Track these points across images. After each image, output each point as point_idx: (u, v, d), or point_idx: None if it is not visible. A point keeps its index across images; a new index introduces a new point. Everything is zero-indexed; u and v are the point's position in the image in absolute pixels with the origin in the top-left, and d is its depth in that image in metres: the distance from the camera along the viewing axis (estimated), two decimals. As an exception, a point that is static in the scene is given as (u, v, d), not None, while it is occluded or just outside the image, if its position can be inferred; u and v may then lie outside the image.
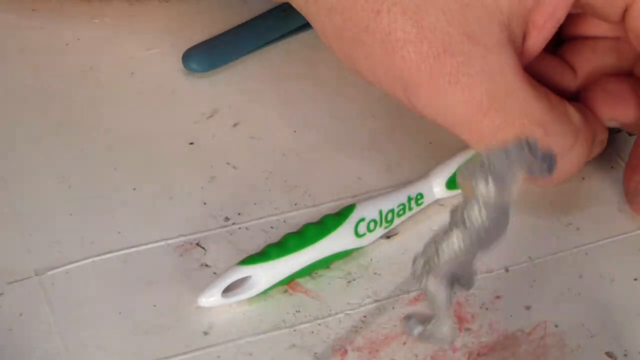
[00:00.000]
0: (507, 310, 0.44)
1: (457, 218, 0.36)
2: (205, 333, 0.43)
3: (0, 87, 0.53)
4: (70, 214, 0.47)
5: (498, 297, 0.45)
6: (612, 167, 0.51)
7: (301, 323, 0.44)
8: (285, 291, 0.45)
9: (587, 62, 0.47)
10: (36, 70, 0.54)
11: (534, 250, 0.47)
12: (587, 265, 0.46)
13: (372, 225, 0.46)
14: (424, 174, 0.48)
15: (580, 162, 0.45)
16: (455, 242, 0.36)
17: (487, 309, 0.44)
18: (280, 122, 0.52)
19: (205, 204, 0.48)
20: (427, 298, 0.37)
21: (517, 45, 0.43)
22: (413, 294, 0.45)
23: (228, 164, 0.50)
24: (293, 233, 0.45)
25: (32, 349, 0.42)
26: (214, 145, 0.51)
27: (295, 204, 0.48)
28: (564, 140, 0.44)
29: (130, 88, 0.54)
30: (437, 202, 0.48)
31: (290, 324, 0.43)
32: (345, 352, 0.43)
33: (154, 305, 0.44)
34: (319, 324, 0.44)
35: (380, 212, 0.46)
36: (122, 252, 0.46)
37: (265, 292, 0.44)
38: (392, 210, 0.46)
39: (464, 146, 0.48)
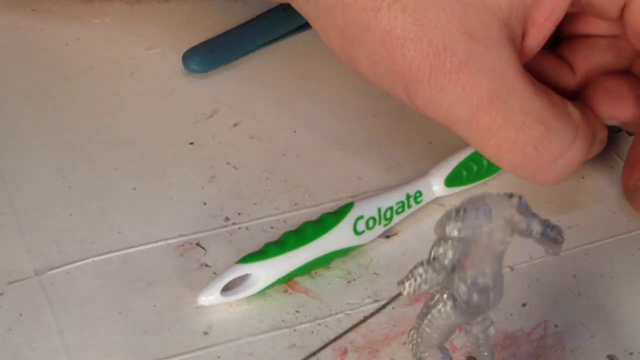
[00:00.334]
0: (506, 310, 0.44)
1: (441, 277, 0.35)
2: (205, 333, 0.43)
3: (0, 87, 0.53)
4: (70, 214, 0.47)
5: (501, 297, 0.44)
6: (611, 167, 0.51)
7: (301, 323, 0.44)
8: (285, 291, 0.45)
9: (586, 61, 0.47)
10: (36, 70, 0.54)
11: (534, 250, 0.47)
12: (586, 265, 0.46)
13: (371, 223, 0.46)
14: (423, 173, 0.48)
15: (579, 160, 0.45)
16: (441, 305, 0.35)
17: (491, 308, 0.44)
18: (280, 122, 0.52)
19: (205, 204, 0.48)
20: None
21: (517, 44, 0.43)
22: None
23: (228, 164, 0.50)
24: (292, 231, 0.45)
25: (32, 349, 0.42)
26: (214, 145, 0.51)
27: (295, 204, 0.48)
28: (564, 138, 0.44)
29: (130, 88, 0.54)
30: (437, 202, 0.48)
31: (290, 324, 0.43)
32: (345, 352, 0.43)
33: (154, 305, 0.44)
34: (319, 324, 0.44)
35: (379, 210, 0.46)
36: (122, 252, 0.46)
37: (264, 291, 0.44)
38: (390, 208, 0.46)
39: (463, 145, 0.48)
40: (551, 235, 0.36)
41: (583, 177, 0.50)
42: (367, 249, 0.46)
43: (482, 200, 0.34)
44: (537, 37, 0.43)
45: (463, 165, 0.48)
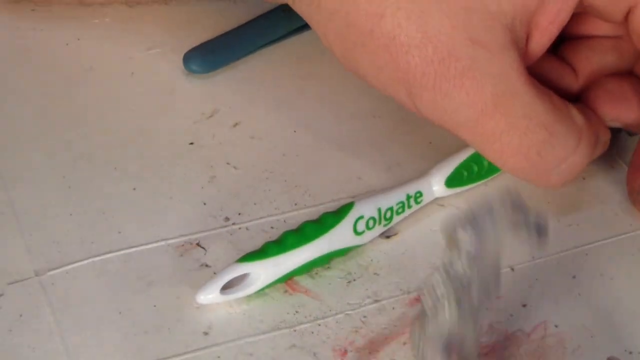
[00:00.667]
0: (507, 310, 0.44)
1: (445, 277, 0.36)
2: (205, 333, 0.43)
3: (0, 87, 0.53)
4: (70, 214, 0.47)
5: (498, 297, 0.45)
6: (612, 167, 0.51)
7: (301, 323, 0.44)
8: (285, 291, 0.45)
9: (588, 62, 0.47)
10: (36, 70, 0.54)
11: (533, 250, 0.47)
12: (587, 265, 0.46)
13: (371, 223, 0.46)
14: (424, 174, 0.48)
15: (583, 164, 0.45)
16: (446, 304, 0.37)
17: (487, 309, 0.44)
18: (280, 122, 0.52)
19: (205, 204, 0.48)
20: None
21: (521, 48, 0.43)
22: (413, 294, 0.45)
23: (228, 164, 0.50)
24: (292, 231, 0.45)
25: (32, 349, 0.42)
26: (214, 145, 0.51)
27: (296, 204, 0.48)
28: (568, 142, 0.44)
29: (130, 88, 0.54)
30: (437, 202, 0.48)
31: (290, 324, 0.43)
32: (345, 352, 0.43)
33: (154, 305, 0.44)
34: (319, 324, 0.44)
35: (379, 210, 0.46)
36: (122, 252, 0.46)
37: (263, 290, 0.44)
38: (390, 208, 0.46)
39: (464, 145, 0.48)
40: (542, 227, 0.37)
41: (584, 178, 0.50)
42: (368, 249, 0.46)
43: (489, 209, 0.36)
44: (541, 41, 0.43)
45: (464, 165, 0.48)
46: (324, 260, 0.45)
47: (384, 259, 0.46)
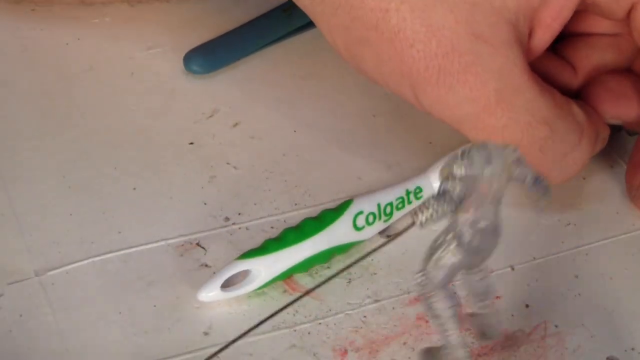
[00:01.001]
0: (507, 310, 0.44)
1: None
2: (205, 333, 0.43)
3: (0, 87, 0.53)
4: (70, 214, 0.47)
5: (498, 297, 0.45)
6: (611, 167, 0.51)
7: (301, 323, 0.44)
8: (285, 291, 0.45)
9: (587, 59, 0.47)
10: (36, 70, 0.54)
11: (535, 250, 0.47)
12: (587, 265, 0.46)
13: (370, 218, 0.46)
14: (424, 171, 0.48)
15: (584, 160, 0.45)
16: (445, 246, 0.37)
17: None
18: (280, 122, 0.52)
19: (205, 204, 0.48)
20: (432, 316, 0.38)
21: (523, 44, 0.43)
22: (413, 294, 0.45)
23: (228, 164, 0.50)
24: (292, 227, 0.45)
25: (33, 349, 0.42)
26: (214, 145, 0.51)
27: (296, 204, 0.48)
28: (569, 138, 0.44)
29: (130, 88, 0.54)
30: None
31: (290, 324, 0.43)
32: (345, 352, 0.43)
33: (154, 305, 0.44)
34: (319, 324, 0.44)
35: (379, 206, 0.46)
36: (122, 252, 0.46)
37: (264, 287, 0.44)
38: (390, 204, 0.46)
39: (463, 143, 0.48)
40: (542, 184, 0.38)
41: (584, 178, 0.50)
42: (368, 249, 0.46)
43: (484, 146, 0.36)
44: (544, 37, 0.44)
45: None
46: (325, 257, 0.45)
47: (384, 258, 0.46)
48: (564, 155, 0.44)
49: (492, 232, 0.37)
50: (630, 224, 0.48)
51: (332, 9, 0.43)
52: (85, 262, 0.45)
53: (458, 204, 0.36)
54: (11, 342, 0.42)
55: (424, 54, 0.41)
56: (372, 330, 0.43)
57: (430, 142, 0.51)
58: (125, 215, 0.47)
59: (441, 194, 0.36)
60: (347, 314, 0.44)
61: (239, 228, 0.47)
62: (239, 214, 0.48)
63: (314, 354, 0.42)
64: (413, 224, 0.36)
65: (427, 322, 0.44)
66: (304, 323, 0.44)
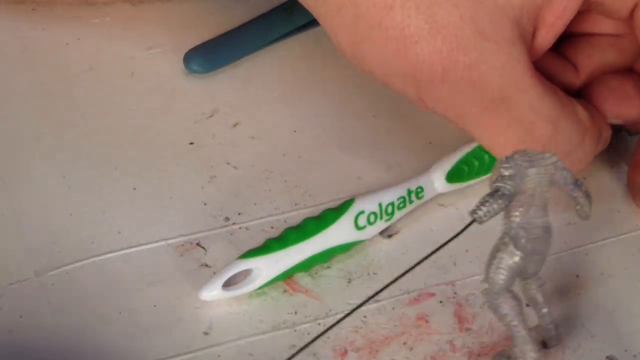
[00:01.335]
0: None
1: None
2: (206, 333, 0.43)
3: (0, 87, 0.53)
4: (70, 214, 0.47)
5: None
6: (611, 167, 0.51)
7: (301, 323, 0.44)
8: (285, 291, 0.45)
9: (589, 59, 0.47)
10: (36, 70, 0.54)
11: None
12: (587, 265, 0.46)
13: (372, 218, 0.46)
14: (425, 171, 0.48)
15: (587, 159, 0.45)
16: (503, 248, 0.40)
17: (487, 308, 0.44)
18: (280, 122, 0.52)
19: (205, 204, 0.48)
20: (498, 317, 0.41)
21: (527, 42, 0.43)
22: (413, 294, 0.45)
23: (228, 164, 0.50)
24: (293, 227, 0.45)
25: (33, 349, 0.42)
26: (214, 145, 0.51)
27: (296, 204, 0.48)
28: (573, 137, 0.44)
29: (130, 88, 0.54)
30: (438, 202, 0.48)
31: (290, 324, 0.43)
32: (345, 352, 0.43)
33: (154, 306, 0.44)
34: (319, 324, 0.44)
35: (380, 206, 0.46)
36: (122, 252, 0.46)
37: (266, 286, 0.44)
38: (392, 204, 0.46)
39: (464, 143, 0.48)
40: (581, 187, 0.41)
41: (584, 178, 0.50)
42: (368, 249, 0.46)
43: (525, 151, 0.39)
44: (547, 35, 0.44)
45: (464, 161, 0.48)
46: (327, 256, 0.45)
47: (384, 258, 0.46)
48: (567, 154, 0.44)
49: (544, 234, 0.40)
50: (631, 223, 0.48)
51: (336, 7, 0.43)
52: (85, 262, 0.45)
53: (511, 199, 0.39)
54: (11, 342, 0.42)
55: (428, 51, 0.41)
56: (372, 330, 0.43)
57: (430, 142, 0.51)
58: (125, 215, 0.47)
59: (495, 192, 0.38)
60: (347, 313, 0.44)
61: (239, 228, 0.47)
62: (239, 214, 0.48)
63: (314, 354, 0.42)
64: (473, 221, 0.38)
65: (427, 322, 0.44)
66: (304, 323, 0.44)
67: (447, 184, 0.48)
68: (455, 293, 0.45)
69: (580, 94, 0.47)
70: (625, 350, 0.43)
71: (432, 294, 0.45)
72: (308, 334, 0.43)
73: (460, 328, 0.43)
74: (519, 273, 0.40)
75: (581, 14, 0.47)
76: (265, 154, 0.51)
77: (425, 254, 0.45)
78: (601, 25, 0.47)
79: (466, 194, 0.49)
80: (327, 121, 0.52)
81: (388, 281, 0.45)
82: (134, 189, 0.49)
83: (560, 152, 0.43)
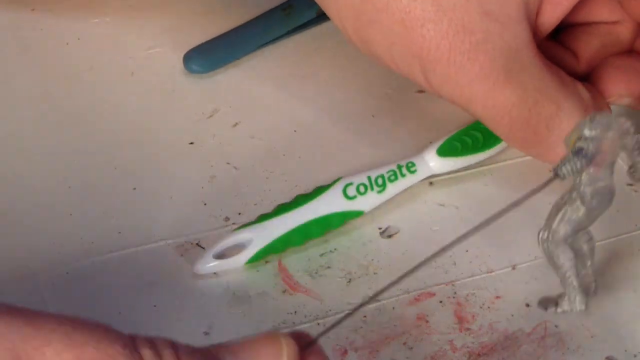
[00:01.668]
0: (507, 310, 0.44)
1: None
2: (206, 333, 0.43)
3: (0, 87, 0.53)
4: (70, 214, 0.47)
5: (498, 297, 0.45)
6: (612, 167, 0.51)
7: (301, 323, 0.44)
8: (285, 291, 0.45)
9: (588, 46, 0.48)
10: (36, 70, 0.54)
11: (536, 249, 0.47)
12: (587, 265, 0.46)
13: (362, 189, 0.47)
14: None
15: None
16: (571, 203, 0.41)
17: (487, 308, 0.44)
18: (280, 122, 0.52)
19: (205, 204, 0.48)
20: (554, 266, 0.42)
21: (532, 21, 0.43)
22: (413, 294, 0.45)
23: (228, 164, 0.50)
24: (285, 203, 0.46)
25: (32, 349, 0.42)
26: (214, 145, 0.51)
27: (296, 204, 0.48)
28: (575, 117, 0.44)
29: (130, 88, 0.54)
30: (438, 202, 0.48)
31: (290, 324, 0.43)
32: (346, 352, 0.43)
33: (154, 306, 0.44)
34: (319, 324, 0.44)
35: (369, 178, 0.47)
36: (122, 252, 0.46)
37: (260, 257, 0.45)
38: (381, 175, 0.47)
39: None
40: None
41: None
42: (368, 249, 0.46)
43: (606, 114, 0.40)
44: (553, 15, 0.44)
45: (456, 137, 0.49)
46: (320, 228, 0.46)
47: (384, 258, 0.46)
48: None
49: (608, 194, 0.41)
50: (631, 224, 0.48)
51: None
52: (85, 262, 0.45)
53: (592, 160, 0.40)
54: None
55: (434, 33, 0.42)
56: (372, 330, 0.43)
57: (430, 142, 0.51)
58: (125, 215, 0.47)
59: (577, 151, 0.40)
60: (347, 313, 0.44)
61: (239, 228, 0.47)
62: (239, 214, 0.48)
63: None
64: (556, 177, 0.40)
65: (427, 322, 0.44)
66: (304, 323, 0.44)
67: (438, 158, 0.48)
68: (455, 293, 0.45)
69: (584, 80, 0.47)
70: (625, 350, 0.43)
71: (432, 294, 0.45)
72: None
73: (460, 328, 0.43)
74: (579, 228, 0.42)
75: (579, 3, 0.47)
76: (265, 154, 0.51)
77: (424, 254, 0.45)
78: (598, 13, 0.48)
79: (466, 193, 0.49)
80: (327, 121, 0.52)
81: (388, 281, 0.45)
82: (134, 189, 0.49)
83: (563, 131, 0.44)
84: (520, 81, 0.43)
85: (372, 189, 0.47)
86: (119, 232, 0.47)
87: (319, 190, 0.47)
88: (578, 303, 0.43)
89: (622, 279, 0.46)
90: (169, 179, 0.49)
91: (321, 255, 0.46)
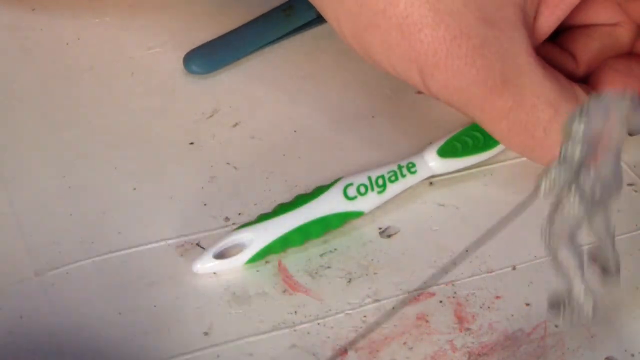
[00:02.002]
0: (507, 310, 0.44)
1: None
2: (206, 333, 0.43)
3: (0, 87, 0.53)
4: (70, 214, 0.47)
5: (498, 297, 0.45)
6: (612, 167, 0.51)
7: (301, 323, 0.44)
8: (285, 291, 0.45)
9: (587, 49, 0.48)
10: (36, 70, 0.54)
11: (536, 249, 0.47)
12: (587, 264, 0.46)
13: (362, 189, 0.47)
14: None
15: None
16: (569, 198, 0.38)
17: (487, 308, 0.44)
18: (280, 122, 0.52)
19: (205, 204, 0.48)
20: (558, 269, 0.40)
21: (529, 25, 0.43)
22: (413, 294, 0.45)
23: (228, 164, 0.50)
24: (285, 202, 0.46)
25: (33, 350, 0.42)
26: (214, 145, 0.51)
27: (296, 204, 0.48)
28: None
29: (130, 88, 0.54)
30: (438, 202, 0.48)
31: (290, 324, 0.43)
32: (346, 352, 0.43)
33: (154, 305, 0.44)
34: (319, 324, 0.44)
35: (369, 178, 0.47)
36: (122, 252, 0.46)
37: (260, 257, 0.45)
38: (382, 176, 0.47)
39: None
40: None
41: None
42: (368, 249, 0.46)
43: (602, 98, 0.37)
44: (550, 19, 0.44)
45: (456, 138, 0.49)
46: (319, 228, 0.46)
47: (384, 258, 0.46)
48: None
49: (613, 182, 0.39)
50: (631, 224, 0.48)
51: None
52: (85, 262, 0.45)
53: (577, 170, 0.38)
54: (11, 342, 0.42)
55: (432, 38, 0.42)
56: (372, 330, 0.43)
57: (431, 143, 0.51)
58: (125, 215, 0.47)
59: (562, 161, 0.38)
60: (347, 313, 0.44)
61: (239, 228, 0.47)
62: (239, 214, 0.48)
63: (314, 354, 0.42)
64: (535, 195, 0.38)
65: (427, 322, 0.44)
66: (304, 323, 0.44)
67: (439, 158, 0.48)
68: (455, 293, 0.45)
69: (583, 83, 0.48)
70: (625, 350, 0.43)
71: (432, 294, 0.45)
72: (308, 333, 0.43)
73: (460, 328, 0.43)
74: (583, 221, 0.40)
75: (577, 6, 0.47)
76: (265, 154, 0.51)
77: (424, 254, 0.45)
78: (597, 16, 0.48)
79: (466, 193, 0.49)
80: (326, 121, 0.52)
81: (388, 281, 0.45)
82: (134, 189, 0.49)
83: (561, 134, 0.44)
84: (518, 85, 0.43)
85: (372, 189, 0.47)
86: (119, 232, 0.47)
87: (319, 191, 0.47)
88: (585, 312, 0.40)
89: (622, 279, 0.46)
90: (169, 179, 0.49)
91: (321, 255, 0.46)
